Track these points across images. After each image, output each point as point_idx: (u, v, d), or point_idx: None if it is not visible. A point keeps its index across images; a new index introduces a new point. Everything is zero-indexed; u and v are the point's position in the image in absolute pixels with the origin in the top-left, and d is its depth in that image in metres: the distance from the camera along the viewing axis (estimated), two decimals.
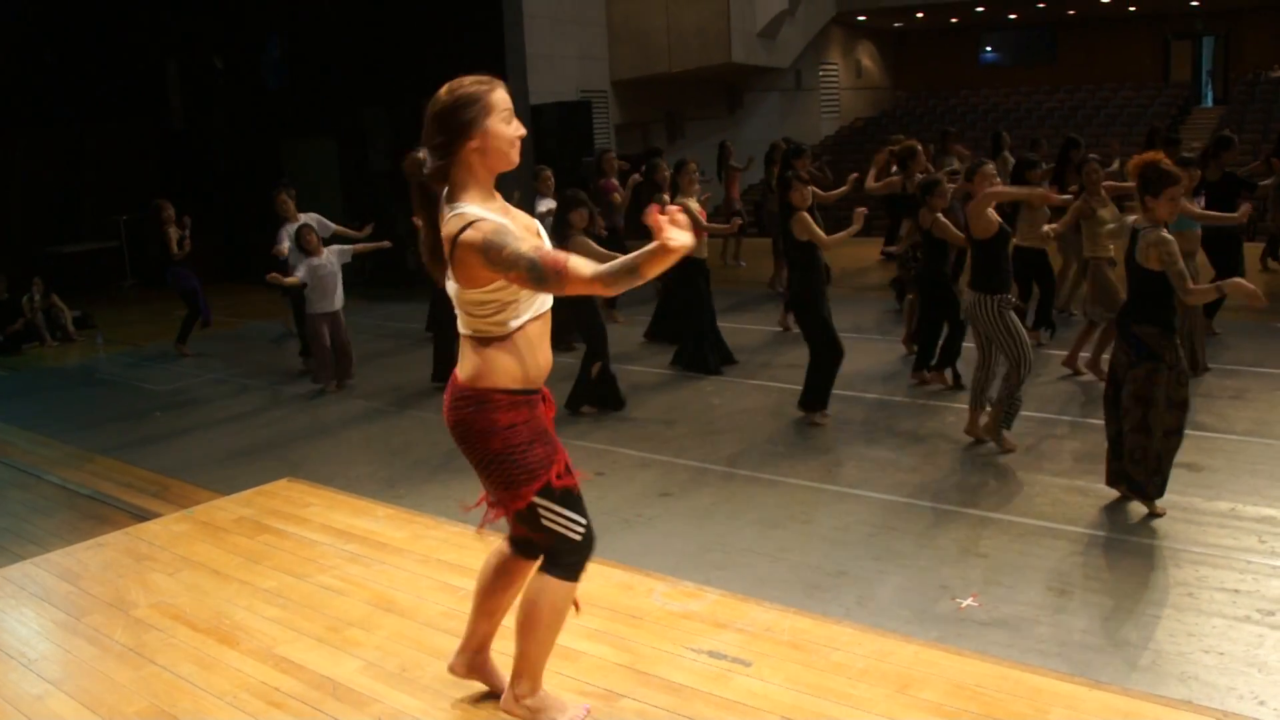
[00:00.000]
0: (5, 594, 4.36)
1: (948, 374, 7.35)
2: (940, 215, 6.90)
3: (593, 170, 11.49)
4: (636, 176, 10.77)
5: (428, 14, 12.49)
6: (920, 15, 21.56)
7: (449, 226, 2.70)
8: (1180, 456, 4.94)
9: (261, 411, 8.00)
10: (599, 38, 16.34)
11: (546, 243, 2.83)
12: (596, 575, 4.03)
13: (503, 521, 3.03)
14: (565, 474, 2.89)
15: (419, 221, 2.86)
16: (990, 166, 6.31)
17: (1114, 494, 5.12)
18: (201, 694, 3.40)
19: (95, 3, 14.87)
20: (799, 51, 19.47)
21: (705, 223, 8.46)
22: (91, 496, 6.03)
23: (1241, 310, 8.70)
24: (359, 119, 13.55)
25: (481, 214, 2.68)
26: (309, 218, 8.78)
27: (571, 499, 2.91)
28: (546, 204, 9.46)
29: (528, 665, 3.00)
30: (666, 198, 9.03)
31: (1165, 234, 4.69)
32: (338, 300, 8.19)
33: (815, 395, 6.66)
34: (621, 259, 2.55)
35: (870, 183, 8.86)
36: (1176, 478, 4.95)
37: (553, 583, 2.92)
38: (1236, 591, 4.12)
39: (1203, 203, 7.61)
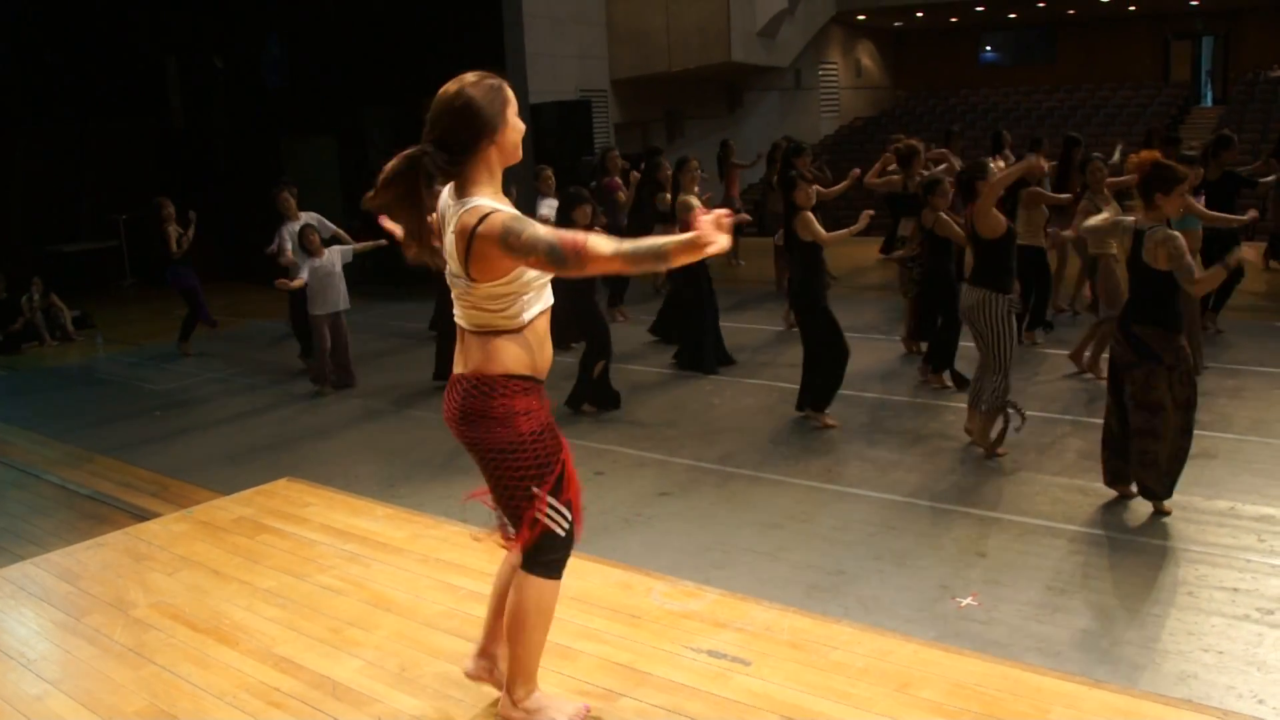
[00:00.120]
0: (5, 594, 4.36)
1: (945, 375, 7.35)
2: (943, 214, 6.90)
3: (597, 169, 11.50)
4: (636, 174, 10.78)
5: (428, 13, 12.49)
6: (920, 15, 21.55)
7: (464, 220, 2.69)
8: None
9: (261, 411, 7.99)
10: (599, 37, 16.33)
11: None
12: (596, 575, 4.04)
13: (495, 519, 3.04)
14: (565, 469, 2.91)
15: (391, 224, 2.83)
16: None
17: (1113, 493, 5.11)
18: (201, 694, 3.40)
19: (95, 2, 14.86)
20: (799, 51, 19.46)
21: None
22: (91, 496, 6.03)
23: (1242, 309, 8.71)
24: (359, 118, 13.54)
25: (495, 205, 2.71)
26: (309, 217, 8.77)
27: (561, 493, 2.92)
28: (549, 204, 9.46)
29: (520, 668, 3.00)
30: (668, 196, 9.04)
31: (1172, 231, 4.70)
32: (341, 300, 8.17)
33: (821, 395, 6.62)
34: (648, 241, 2.59)
35: (871, 178, 8.86)
36: (1175, 479, 4.95)
37: (536, 582, 2.92)
38: (1236, 590, 4.12)
39: (1202, 201, 7.61)
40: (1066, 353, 7.64)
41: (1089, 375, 7.21)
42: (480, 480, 2.98)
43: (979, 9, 21.19)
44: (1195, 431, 4.91)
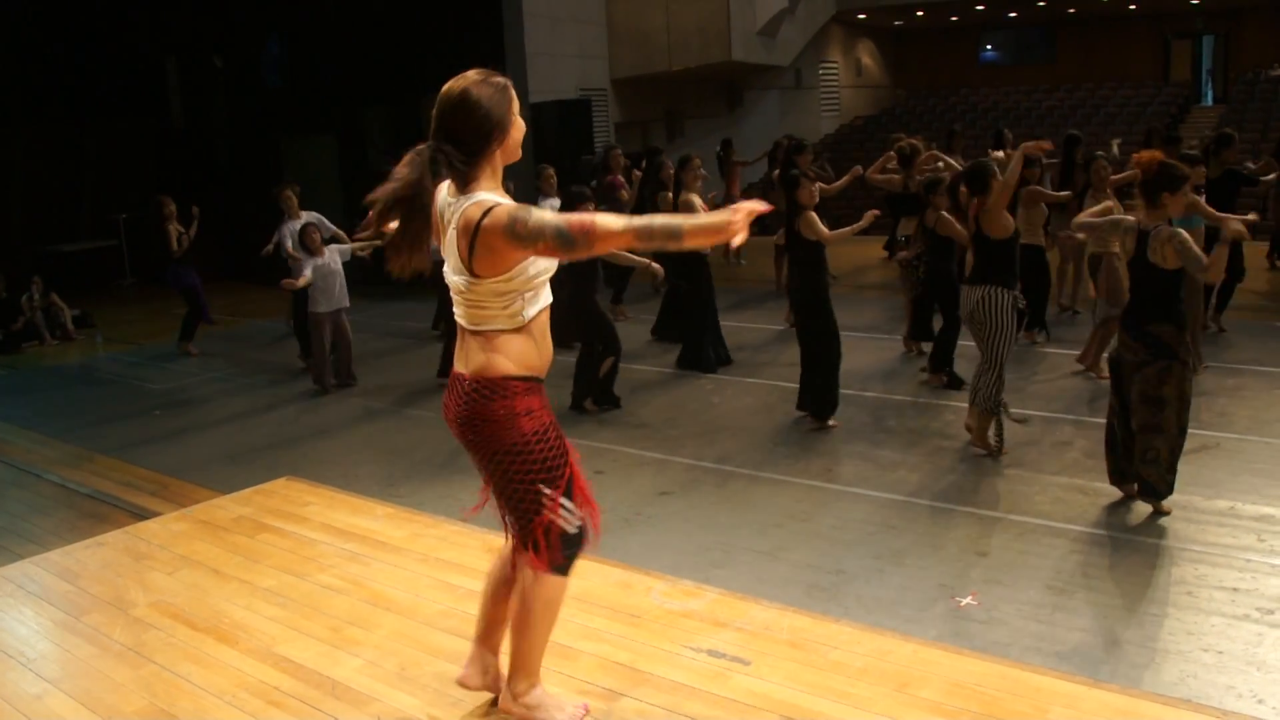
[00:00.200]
0: (4, 593, 4.36)
1: (941, 375, 7.34)
2: (945, 213, 6.89)
3: (599, 167, 11.50)
4: (638, 174, 10.77)
5: (427, 12, 12.49)
6: (920, 14, 21.53)
7: (468, 214, 2.68)
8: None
9: (261, 411, 7.99)
10: (599, 36, 16.32)
11: None
12: (595, 574, 4.03)
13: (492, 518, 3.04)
14: (573, 465, 2.91)
15: (391, 223, 2.77)
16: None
17: (1114, 493, 5.11)
18: (200, 693, 3.40)
19: (95, 2, 14.86)
20: (799, 50, 19.44)
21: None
22: (91, 495, 6.03)
23: (1243, 309, 8.71)
24: (359, 118, 13.54)
25: (498, 199, 2.71)
26: (309, 216, 8.78)
27: (572, 491, 2.92)
28: (551, 203, 9.46)
29: (523, 662, 3.00)
30: (670, 195, 9.04)
31: (1176, 228, 4.72)
32: (342, 299, 8.17)
33: (821, 402, 6.60)
34: (664, 218, 2.60)
35: (872, 173, 8.86)
36: (1176, 476, 4.95)
37: (546, 579, 2.92)
38: (1235, 590, 4.12)
39: (1203, 199, 7.61)
40: (1066, 352, 7.65)
41: (1091, 374, 7.20)
42: (477, 485, 2.97)
43: (979, 8, 21.17)
44: (1196, 431, 4.96)
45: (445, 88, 2.75)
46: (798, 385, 6.82)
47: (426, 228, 2.72)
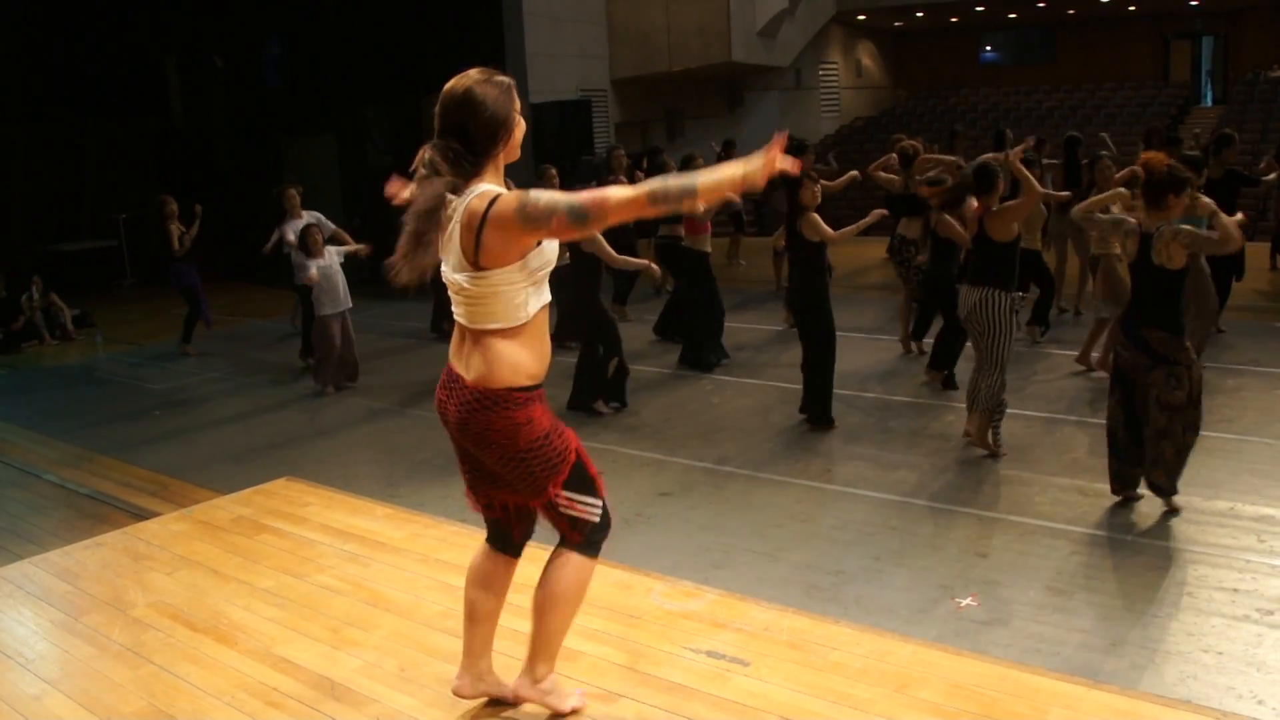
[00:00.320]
0: (3, 593, 4.36)
1: (939, 375, 7.34)
2: (946, 214, 6.88)
3: (601, 167, 11.50)
4: (640, 174, 10.77)
5: (428, 12, 12.49)
6: (920, 15, 21.53)
7: (473, 206, 2.68)
8: None
9: (261, 411, 7.99)
10: (599, 36, 16.32)
11: (546, 242, 2.82)
12: (595, 575, 4.00)
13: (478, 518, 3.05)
14: (579, 459, 2.92)
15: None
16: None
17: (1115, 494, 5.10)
18: (199, 694, 3.39)
19: (95, 1, 14.86)
20: (799, 50, 19.44)
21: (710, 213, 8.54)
22: (90, 496, 6.03)
23: (1242, 309, 8.71)
24: (359, 117, 13.54)
25: (502, 190, 2.72)
26: (310, 216, 8.78)
27: (585, 482, 2.94)
28: None
29: (548, 645, 3.00)
30: None
31: (1178, 225, 4.74)
32: (346, 300, 8.15)
33: (825, 405, 6.60)
34: (676, 177, 2.60)
35: (874, 169, 8.88)
36: (1180, 475, 4.95)
37: (575, 558, 2.94)
38: (1235, 591, 4.12)
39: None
40: (1067, 353, 7.64)
41: (1099, 374, 7.18)
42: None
43: (979, 9, 21.17)
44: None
45: (448, 86, 2.74)
46: (798, 385, 6.81)
47: (438, 238, 2.73)
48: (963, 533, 4.88)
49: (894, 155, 9.07)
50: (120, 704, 3.36)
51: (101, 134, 15.50)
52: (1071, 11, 21.75)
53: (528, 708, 3.14)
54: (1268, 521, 4.77)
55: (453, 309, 2.86)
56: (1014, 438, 6.00)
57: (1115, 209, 6.31)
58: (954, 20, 22.95)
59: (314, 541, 4.73)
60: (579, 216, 2.61)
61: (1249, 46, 21.36)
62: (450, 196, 2.70)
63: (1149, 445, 4.84)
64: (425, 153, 2.73)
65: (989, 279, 5.79)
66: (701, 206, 2.59)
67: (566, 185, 8.05)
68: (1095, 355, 7.30)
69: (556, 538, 3.01)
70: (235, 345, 10.53)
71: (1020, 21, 22.99)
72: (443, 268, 2.81)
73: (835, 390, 6.68)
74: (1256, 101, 19.45)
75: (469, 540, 4.52)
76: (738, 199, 12.70)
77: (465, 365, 2.82)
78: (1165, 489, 4.87)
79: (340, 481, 5.82)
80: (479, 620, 3.11)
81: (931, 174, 8.01)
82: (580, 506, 2.92)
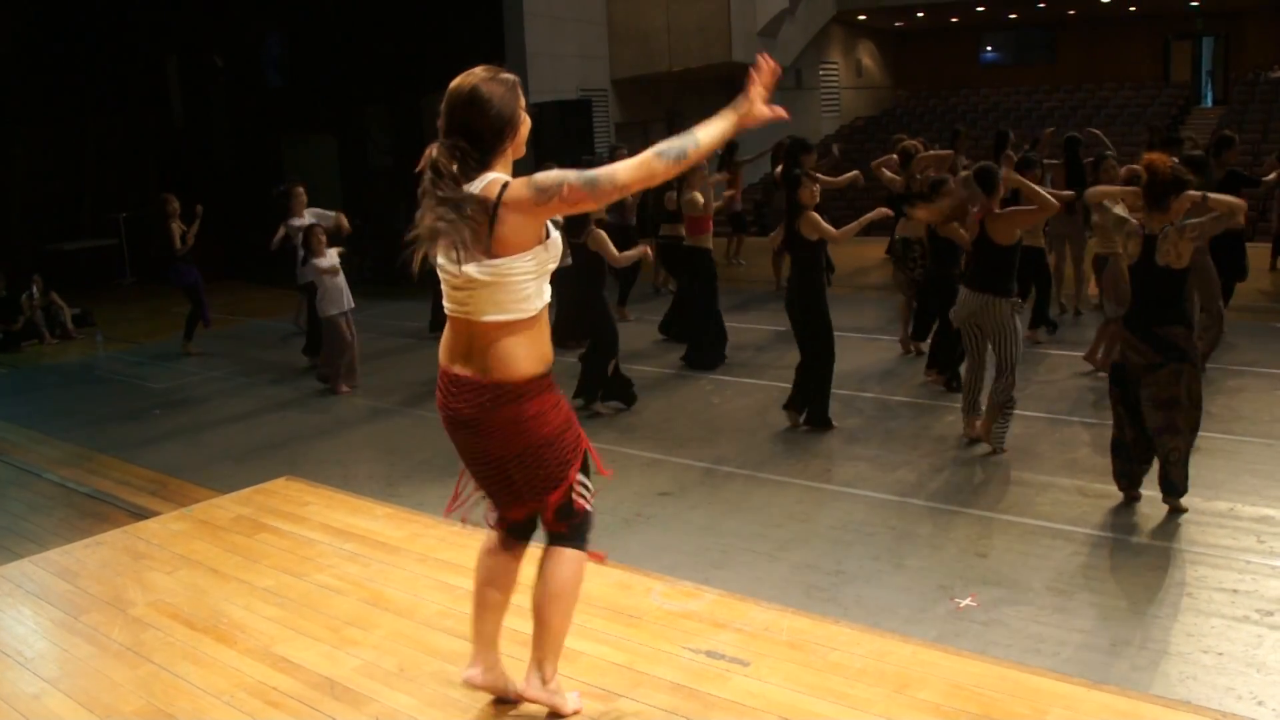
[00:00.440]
0: (3, 592, 4.35)
1: (939, 376, 7.34)
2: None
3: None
4: None
5: (428, 12, 12.49)
6: (921, 15, 21.52)
7: (486, 192, 2.68)
8: None
9: (261, 410, 7.99)
10: (599, 36, 16.31)
11: (555, 236, 2.83)
12: (595, 575, 4.02)
13: (476, 514, 3.07)
14: (586, 446, 2.98)
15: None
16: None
17: (1115, 494, 5.10)
18: (199, 693, 3.39)
19: (95, 1, 14.86)
20: (799, 50, 19.43)
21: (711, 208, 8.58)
22: (90, 495, 6.03)
23: (1243, 309, 8.70)
24: (359, 117, 13.54)
25: (509, 178, 2.74)
26: (311, 213, 8.80)
27: (588, 468, 2.98)
28: None
29: (555, 643, 3.01)
30: (675, 194, 9.06)
31: (1180, 222, 4.74)
32: (350, 300, 8.13)
33: (817, 408, 6.59)
34: (676, 140, 2.70)
35: (878, 165, 8.89)
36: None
37: (569, 553, 2.96)
38: (1235, 591, 4.12)
39: None
40: (1067, 353, 7.64)
41: (1100, 373, 7.18)
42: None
43: (980, 9, 21.16)
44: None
45: (454, 85, 2.74)
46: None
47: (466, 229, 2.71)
48: (963, 533, 4.88)
49: (894, 155, 9.09)
50: (120, 703, 3.36)
51: (102, 133, 15.51)
52: (1072, 12, 21.74)
53: (527, 707, 3.14)
54: (1268, 522, 4.77)
55: (451, 305, 2.82)
56: (1015, 438, 5.99)
57: (1123, 206, 6.33)
58: (954, 20, 22.94)
59: (314, 541, 4.73)
60: (589, 181, 2.66)
61: (1250, 47, 21.35)
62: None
63: (1158, 443, 4.84)
64: (432, 152, 2.73)
65: (989, 285, 5.80)
66: (707, 151, 2.71)
67: None
68: (1100, 355, 7.29)
69: (549, 536, 3.01)
70: (235, 344, 10.53)
71: (1021, 21, 22.99)
72: (440, 262, 2.80)
73: (834, 390, 6.68)
74: (1257, 102, 19.45)
75: (469, 540, 4.50)
76: (738, 202, 12.78)
77: (473, 365, 2.79)
78: (1179, 486, 4.87)
79: (340, 481, 5.82)
80: (490, 607, 3.10)
81: (931, 174, 8.00)
82: (587, 494, 2.97)
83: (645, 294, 10.93)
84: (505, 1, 12.42)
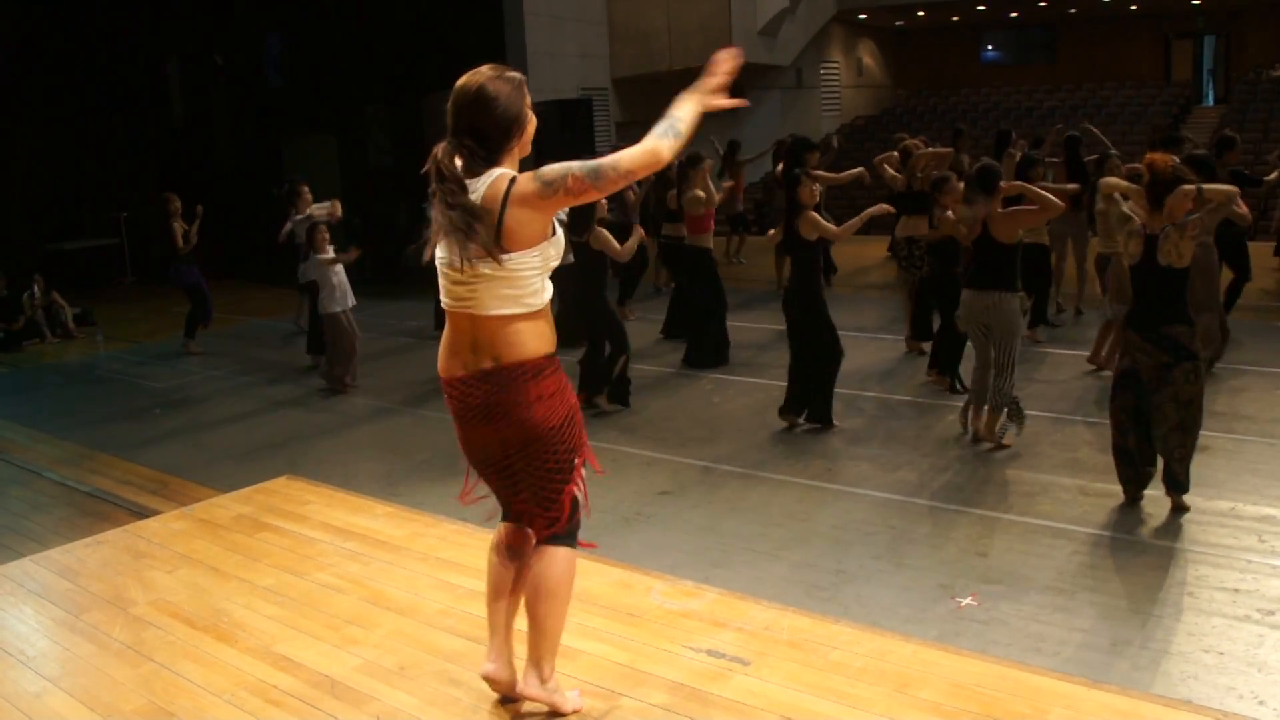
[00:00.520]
0: (4, 591, 4.36)
1: (945, 378, 7.33)
2: (949, 213, 6.87)
3: None
4: None
5: (428, 11, 12.49)
6: (921, 14, 21.52)
7: (494, 188, 2.69)
8: None
9: (262, 409, 7.99)
10: (599, 35, 16.31)
11: (560, 233, 2.83)
12: (595, 574, 4.03)
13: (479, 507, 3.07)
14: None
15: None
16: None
17: (1116, 493, 5.10)
18: (200, 692, 3.39)
19: (95, 0, 14.86)
20: (800, 50, 19.43)
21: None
22: (91, 494, 6.03)
23: (1245, 309, 8.70)
24: (359, 116, 13.54)
25: (515, 173, 2.75)
26: (312, 209, 8.82)
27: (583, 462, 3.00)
28: None
29: (551, 642, 3.01)
30: (676, 194, 9.07)
31: (1182, 220, 4.75)
32: (352, 297, 8.13)
33: (818, 408, 6.56)
34: (662, 124, 2.81)
35: (880, 160, 8.90)
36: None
37: (561, 551, 2.96)
38: (1236, 591, 4.12)
39: None
40: (1068, 352, 7.64)
41: (1107, 372, 7.17)
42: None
43: (980, 8, 21.16)
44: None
45: (460, 84, 2.74)
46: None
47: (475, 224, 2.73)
48: (963, 532, 4.87)
49: (895, 154, 9.09)
50: (120, 702, 3.36)
51: (102, 132, 15.51)
52: (1073, 11, 21.74)
53: (527, 706, 3.14)
54: (1269, 522, 4.77)
55: (450, 300, 2.81)
56: (1017, 438, 5.99)
57: (1130, 204, 6.33)
58: (955, 19, 22.94)
59: (314, 540, 4.73)
60: (593, 171, 2.69)
61: (1250, 46, 21.34)
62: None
63: (1165, 441, 4.83)
64: (437, 153, 2.72)
65: (997, 282, 5.81)
66: (692, 123, 2.83)
67: None
68: (1104, 354, 7.29)
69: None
70: (236, 344, 10.53)
71: (1021, 21, 22.98)
72: (442, 258, 2.79)
73: (835, 390, 6.67)
74: (1258, 101, 19.44)
75: (469, 539, 4.52)
76: (740, 203, 12.78)
77: (482, 355, 2.78)
78: (1183, 483, 4.87)
79: (341, 480, 5.82)
80: (503, 595, 3.10)
81: (934, 173, 8.00)
82: (584, 486, 2.97)
83: (646, 294, 10.93)
84: (505, 1, 12.41)
